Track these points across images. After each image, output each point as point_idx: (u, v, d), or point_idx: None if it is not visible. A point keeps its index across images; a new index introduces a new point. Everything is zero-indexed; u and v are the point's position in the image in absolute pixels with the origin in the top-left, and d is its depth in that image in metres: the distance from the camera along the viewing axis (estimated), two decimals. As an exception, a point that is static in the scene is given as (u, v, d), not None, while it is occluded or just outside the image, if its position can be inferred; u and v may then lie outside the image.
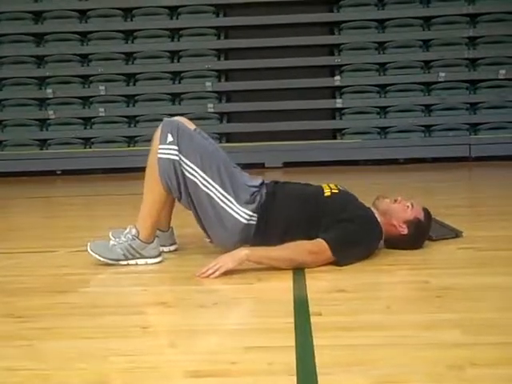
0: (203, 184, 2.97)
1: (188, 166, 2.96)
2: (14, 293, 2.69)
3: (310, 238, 2.88)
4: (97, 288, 2.82)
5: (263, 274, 2.78)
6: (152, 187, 2.99)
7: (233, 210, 2.98)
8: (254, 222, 3.00)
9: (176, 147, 2.95)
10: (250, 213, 3.00)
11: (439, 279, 2.67)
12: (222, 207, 2.98)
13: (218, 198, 2.97)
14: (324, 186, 3.14)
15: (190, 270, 2.92)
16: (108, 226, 3.59)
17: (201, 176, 2.97)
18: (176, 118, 3.15)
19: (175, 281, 2.81)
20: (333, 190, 3.10)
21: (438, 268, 2.91)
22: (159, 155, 2.95)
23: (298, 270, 2.80)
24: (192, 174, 2.96)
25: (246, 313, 2.34)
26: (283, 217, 3.00)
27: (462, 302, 2.35)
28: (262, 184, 3.13)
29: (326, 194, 3.07)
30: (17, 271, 3.09)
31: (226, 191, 2.98)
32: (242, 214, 2.99)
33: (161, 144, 2.96)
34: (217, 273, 2.73)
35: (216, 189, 2.97)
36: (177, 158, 2.94)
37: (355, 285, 2.62)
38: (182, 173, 2.96)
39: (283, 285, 2.63)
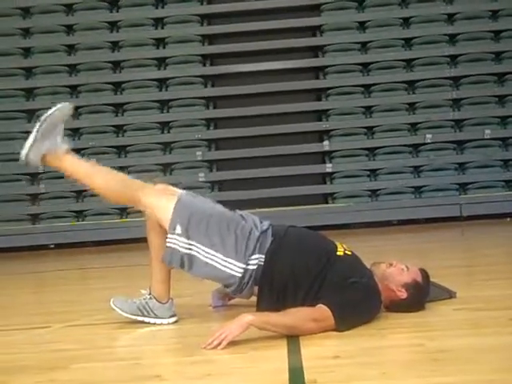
0: (222, 264, 3.01)
1: (203, 250, 3.01)
2: (7, 372, 2.64)
3: (312, 292, 2.91)
4: (89, 363, 2.77)
5: (257, 343, 2.75)
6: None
7: (243, 268, 3.02)
8: (262, 263, 3.03)
9: (185, 239, 3.00)
10: (257, 255, 3.03)
11: (435, 342, 2.65)
12: (235, 275, 3.02)
13: (232, 269, 3.01)
14: (338, 243, 3.15)
15: (183, 340, 2.89)
16: (101, 298, 3.56)
17: (220, 258, 3.01)
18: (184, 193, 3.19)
19: (169, 352, 2.78)
20: (346, 251, 3.11)
21: (433, 330, 2.89)
22: (167, 243, 3.02)
23: (293, 337, 2.77)
24: (208, 258, 3.01)
25: (241, 383, 2.31)
26: (291, 264, 3.01)
27: (458, 364, 2.33)
28: (268, 228, 3.14)
29: (338, 253, 3.08)
30: (9, 349, 3.05)
31: (238, 258, 3.01)
32: (251, 263, 3.02)
33: (169, 233, 3.01)
34: (224, 342, 2.67)
35: (232, 263, 3.01)
36: (185, 250, 3.01)
37: (350, 350, 2.60)
38: (192, 258, 3.01)
39: (277, 353, 2.60)
